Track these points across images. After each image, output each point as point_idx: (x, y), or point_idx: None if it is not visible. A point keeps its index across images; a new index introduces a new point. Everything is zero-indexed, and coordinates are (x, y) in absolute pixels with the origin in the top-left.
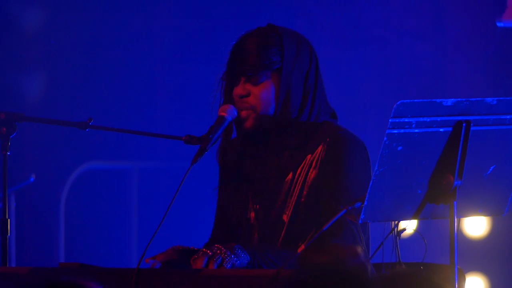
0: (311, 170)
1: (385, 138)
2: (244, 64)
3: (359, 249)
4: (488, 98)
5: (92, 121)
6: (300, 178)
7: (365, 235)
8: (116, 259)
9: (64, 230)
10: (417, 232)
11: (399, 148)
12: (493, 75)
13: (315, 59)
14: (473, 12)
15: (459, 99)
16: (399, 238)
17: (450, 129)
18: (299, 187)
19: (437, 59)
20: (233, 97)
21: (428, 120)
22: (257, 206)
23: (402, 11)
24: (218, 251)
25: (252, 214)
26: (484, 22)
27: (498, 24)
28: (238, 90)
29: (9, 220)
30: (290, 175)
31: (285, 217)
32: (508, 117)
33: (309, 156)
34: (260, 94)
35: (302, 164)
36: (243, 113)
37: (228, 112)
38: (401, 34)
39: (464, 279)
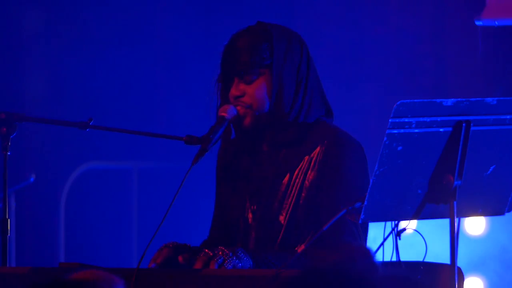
0: (309, 172)
1: (385, 138)
2: (235, 64)
3: (371, 249)
4: (488, 98)
5: (92, 121)
6: (298, 180)
7: (365, 235)
8: (116, 259)
9: (64, 230)
10: (417, 232)
11: (399, 148)
12: (474, 74)
13: (307, 53)
14: (451, 11)
15: (459, 99)
16: (399, 238)
17: (450, 129)
18: (297, 188)
19: (429, 58)
20: (229, 98)
21: (428, 120)
22: (254, 207)
23: (392, 10)
24: (220, 252)
25: (250, 215)
26: (462, 21)
27: (477, 23)
28: (233, 91)
29: (9, 220)
30: (287, 176)
31: (282, 219)
32: (508, 117)
33: (306, 157)
34: (254, 93)
35: (300, 165)
36: (241, 112)
37: (228, 112)
38: (393, 33)
39: (463, 278)
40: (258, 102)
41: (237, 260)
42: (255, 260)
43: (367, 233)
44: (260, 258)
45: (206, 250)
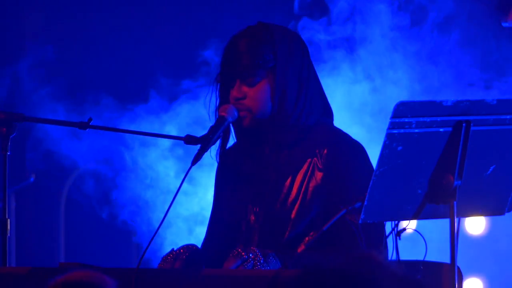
0: (314, 175)
1: (385, 138)
2: (238, 66)
3: (376, 253)
4: (488, 98)
5: (92, 121)
6: (301, 183)
7: (383, 236)
8: (116, 259)
9: (64, 230)
10: (417, 232)
11: (399, 148)
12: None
13: (307, 53)
14: (478, 12)
15: (459, 99)
16: (399, 238)
17: (450, 129)
18: (301, 191)
19: (441, 59)
20: (230, 99)
21: (428, 120)
22: (257, 209)
23: (402, 10)
24: (252, 256)
25: (252, 217)
26: (489, 22)
27: (504, 25)
28: (234, 93)
29: (9, 220)
30: (289, 178)
31: (285, 220)
32: (508, 117)
33: (309, 159)
34: (256, 96)
35: (304, 168)
36: (241, 113)
37: (228, 112)
38: (401, 33)
39: (462, 278)
40: (258, 105)
41: (266, 265)
42: (285, 264)
43: (384, 234)
44: (290, 261)
45: (240, 249)
